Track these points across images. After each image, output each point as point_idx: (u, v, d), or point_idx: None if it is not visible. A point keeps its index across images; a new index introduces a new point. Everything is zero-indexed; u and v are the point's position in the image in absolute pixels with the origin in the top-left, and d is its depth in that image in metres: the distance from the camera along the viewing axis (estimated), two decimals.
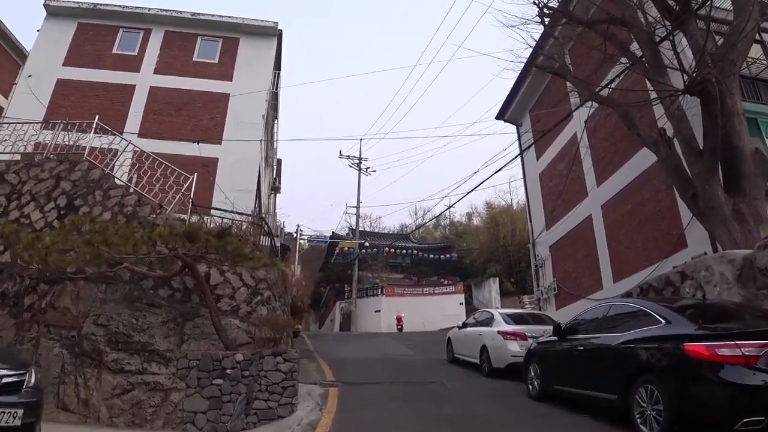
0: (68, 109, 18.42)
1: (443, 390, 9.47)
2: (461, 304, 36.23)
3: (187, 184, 11.68)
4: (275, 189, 29.63)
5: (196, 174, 12.00)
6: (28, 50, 21.29)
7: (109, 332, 9.05)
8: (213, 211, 12.28)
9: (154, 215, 11.02)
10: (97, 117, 13.48)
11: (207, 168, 18.80)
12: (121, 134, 18.50)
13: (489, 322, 11.41)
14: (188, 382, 8.39)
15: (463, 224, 53.86)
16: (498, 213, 42.06)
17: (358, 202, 38.69)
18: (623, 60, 11.63)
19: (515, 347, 10.17)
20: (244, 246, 8.90)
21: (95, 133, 13.06)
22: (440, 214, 38.44)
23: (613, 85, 11.44)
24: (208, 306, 8.95)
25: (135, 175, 12.71)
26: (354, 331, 33.43)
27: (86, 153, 12.47)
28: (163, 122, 19.63)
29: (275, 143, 28.01)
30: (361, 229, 42.73)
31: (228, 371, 8.28)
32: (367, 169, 40.51)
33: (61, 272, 9.84)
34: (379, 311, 36.03)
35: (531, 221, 20.33)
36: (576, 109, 14.35)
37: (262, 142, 20.32)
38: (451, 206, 22.59)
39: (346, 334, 27.09)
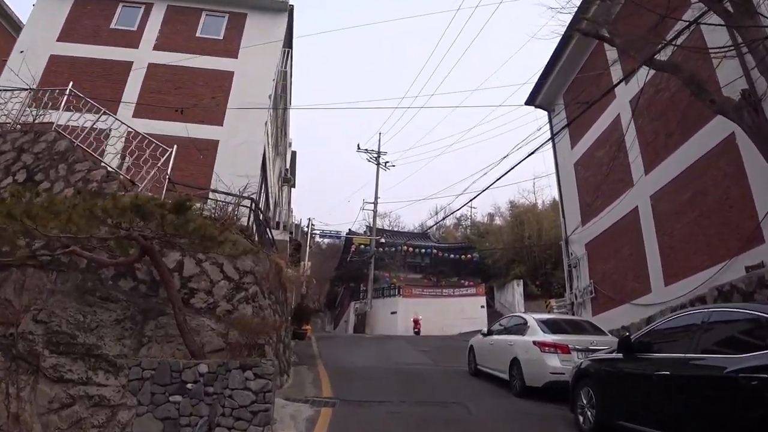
0: (59, 86, 17.06)
1: (465, 416, 7.49)
2: (483, 307, 34.20)
3: (164, 157, 9.91)
4: (287, 181, 27.91)
5: (175, 146, 10.22)
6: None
7: (49, 331, 7.32)
8: (198, 191, 10.49)
9: (123, 192, 9.25)
10: (71, 84, 11.83)
11: (207, 151, 17.23)
12: (115, 114, 17.30)
13: (521, 329, 9.42)
14: (141, 397, 6.55)
15: (485, 224, 51.59)
16: (522, 212, 39.77)
17: (376, 197, 36.86)
18: (685, 18, 9.64)
19: (555, 362, 8.17)
20: (214, 227, 7.02)
21: (80, 110, 11.34)
22: (463, 205, 36.41)
23: (679, 41, 9.35)
24: (171, 301, 7.14)
25: (129, 160, 10.92)
26: (368, 334, 31.56)
27: (55, 123, 10.85)
28: (161, 101, 18.01)
29: (287, 131, 26.28)
30: (379, 227, 40.89)
31: (189, 386, 6.45)
32: (386, 163, 38.71)
33: (7, 257, 8.15)
34: (396, 313, 34.14)
35: (564, 216, 18.21)
36: (628, 76, 12.33)
37: (269, 125, 18.58)
38: (475, 197, 20.68)
39: (358, 337, 25.23)
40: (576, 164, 17.45)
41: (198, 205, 8.53)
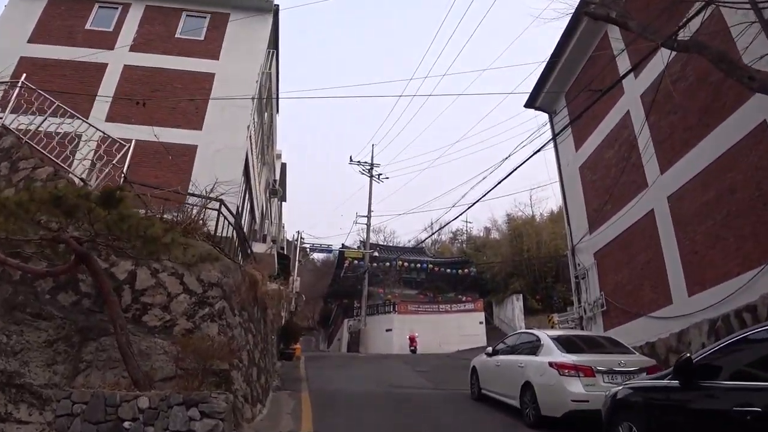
0: (29, 90, 15.95)
1: None
2: (481, 323, 32.86)
3: (120, 154, 8.65)
4: (275, 192, 26.62)
5: (134, 141, 8.99)
6: None
7: None
8: (156, 191, 9.21)
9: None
10: (24, 76, 10.63)
11: (184, 157, 16.02)
12: (87, 118, 16.31)
13: (533, 348, 8.11)
14: None
15: (482, 238, 50.30)
16: (520, 224, 38.55)
17: (369, 210, 35.68)
18: None
19: (578, 388, 6.86)
20: (161, 227, 5.70)
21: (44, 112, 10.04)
22: (460, 214, 35.31)
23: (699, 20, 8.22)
24: (112, 318, 5.86)
25: (98, 165, 9.59)
26: (362, 352, 30.11)
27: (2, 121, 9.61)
28: (137, 105, 16.85)
29: (274, 140, 25.08)
30: (373, 242, 39.61)
31: (126, 425, 5.13)
32: (379, 176, 37.61)
33: None
34: (391, 330, 32.72)
35: (569, 224, 16.99)
36: (641, 62, 11.25)
37: (252, 130, 17.39)
38: (473, 204, 19.50)
39: (351, 356, 23.78)
40: (581, 167, 16.29)
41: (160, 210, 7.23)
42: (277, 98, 22.71)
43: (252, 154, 17.83)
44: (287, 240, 37.92)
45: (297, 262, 32.38)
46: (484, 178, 24.74)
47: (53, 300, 6.87)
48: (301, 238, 33.71)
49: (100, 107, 16.38)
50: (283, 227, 42.88)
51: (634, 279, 13.14)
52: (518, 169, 14.78)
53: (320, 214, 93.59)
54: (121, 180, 8.29)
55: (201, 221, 8.21)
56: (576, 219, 16.53)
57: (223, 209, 8.76)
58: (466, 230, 60.89)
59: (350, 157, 37.65)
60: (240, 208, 17.24)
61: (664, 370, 5.25)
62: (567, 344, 7.81)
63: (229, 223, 9.07)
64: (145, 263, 7.17)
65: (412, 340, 30.03)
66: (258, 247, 20.61)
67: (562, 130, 15.87)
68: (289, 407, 8.67)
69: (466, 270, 39.27)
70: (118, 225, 5.11)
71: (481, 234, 52.64)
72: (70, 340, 6.32)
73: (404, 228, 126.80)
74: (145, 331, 6.83)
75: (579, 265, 16.03)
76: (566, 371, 7.01)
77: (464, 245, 54.09)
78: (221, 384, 6.28)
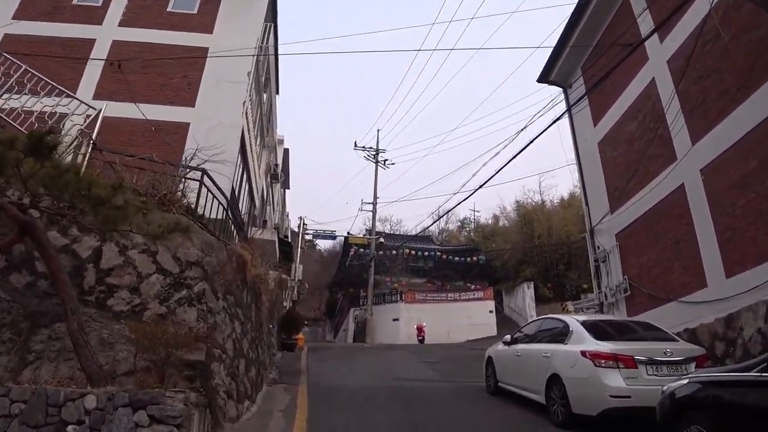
0: (13, 67, 15.05)
1: None
2: (491, 312, 31.84)
3: (90, 119, 7.66)
4: (276, 177, 25.62)
5: (106, 104, 7.98)
6: None
7: None
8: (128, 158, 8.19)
9: None
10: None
11: (175, 136, 15.05)
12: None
13: (560, 336, 7.09)
14: None
15: (491, 226, 49.09)
16: (531, 211, 37.36)
17: (375, 197, 34.58)
18: None
19: (617, 381, 5.84)
20: (107, 187, 4.67)
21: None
22: (471, 194, 33.85)
23: None
24: (63, 300, 4.88)
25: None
26: (368, 343, 29.16)
27: None
28: (126, 81, 15.89)
29: (275, 122, 24.05)
30: (379, 230, 38.59)
31: (69, 429, 4.15)
32: (385, 161, 36.44)
33: None
34: (398, 320, 31.78)
35: (588, 204, 15.90)
36: (667, 19, 10.15)
37: (248, 106, 16.37)
38: (482, 185, 18.60)
39: (357, 347, 22.84)
40: (601, 143, 15.17)
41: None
42: (277, 78, 21.67)
43: (249, 133, 16.83)
44: (292, 230, 36.94)
45: (300, 249, 31.40)
46: (497, 154, 23.79)
47: (4, 281, 5.90)
48: (304, 224, 32.69)
49: (88, 85, 15.49)
50: (287, 216, 41.97)
51: (662, 261, 12.07)
52: (531, 144, 13.60)
53: (325, 203, 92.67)
54: (89, 147, 7.29)
55: (180, 193, 7.22)
56: (595, 199, 15.44)
57: (206, 180, 7.76)
58: (474, 219, 59.92)
59: (354, 142, 36.48)
60: (237, 190, 16.28)
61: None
62: (599, 330, 6.78)
63: (214, 196, 8.07)
64: (112, 238, 6.20)
65: (419, 329, 29.10)
66: (258, 233, 19.71)
67: (579, 99, 14.73)
68: (282, 404, 7.70)
69: (474, 258, 38.24)
70: (55, 182, 4.13)
71: (490, 222, 51.54)
72: (17, 326, 5.36)
73: (411, 217, 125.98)
74: (109, 316, 5.88)
75: (599, 247, 14.96)
76: (602, 362, 5.98)
77: (472, 233, 53.05)
78: (196, 378, 5.31)
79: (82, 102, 8.07)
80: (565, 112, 16.09)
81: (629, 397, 5.68)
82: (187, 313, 6.22)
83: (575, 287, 31.65)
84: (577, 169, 16.77)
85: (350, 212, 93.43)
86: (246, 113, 15.91)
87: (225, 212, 8.45)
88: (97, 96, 15.26)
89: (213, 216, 8.94)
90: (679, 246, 11.50)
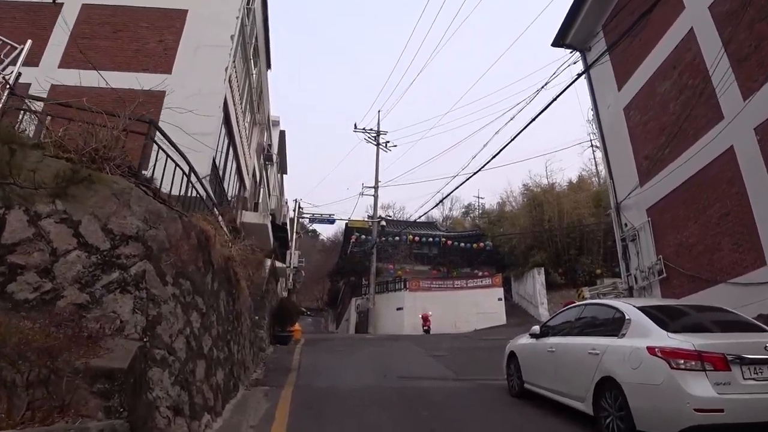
0: None
1: None
2: (500, 299, 30.28)
3: (9, 59, 6.04)
4: (270, 158, 24.00)
5: (29, 42, 6.36)
6: None
7: None
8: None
9: None
10: None
11: (150, 105, 13.43)
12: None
13: (613, 327, 5.47)
14: None
15: (496, 211, 47.29)
16: (540, 194, 35.58)
17: (377, 180, 32.99)
18: None
19: (704, 389, 4.23)
20: None
21: None
22: (477, 171, 32.34)
23: None
24: None
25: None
26: (371, 333, 27.66)
27: None
28: (96, 48, 14.35)
29: (266, 96, 22.37)
30: (381, 215, 36.98)
31: None
32: (386, 143, 34.78)
33: None
34: (402, 309, 30.25)
35: (612, 178, 14.25)
36: None
37: (233, 73, 14.73)
38: (491, 159, 16.90)
39: (358, 339, 21.28)
40: (627, 108, 13.52)
41: None
42: (267, 49, 19.98)
43: (234, 105, 15.20)
44: (290, 219, 35.32)
45: (295, 234, 29.79)
46: (512, 119, 22.16)
47: None
48: (299, 207, 31.06)
49: (54, 52, 13.94)
50: (286, 203, 40.37)
51: (707, 237, 10.46)
52: (545, 111, 11.97)
53: (325, 188, 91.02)
54: (6, 91, 5.68)
55: (122, 148, 5.60)
56: (621, 171, 13.81)
57: (157, 135, 6.15)
58: (478, 205, 58.45)
59: (354, 124, 34.79)
60: (222, 167, 14.70)
61: None
62: (667, 319, 5.16)
63: (167, 155, 6.46)
64: (20, 204, 4.61)
65: (425, 319, 27.58)
66: (249, 217, 18.14)
67: (603, 53, 13.05)
68: (257, 415, 6.13)
69: (481, 244, 36.71)
70: None
71: (495, 207, 49.76)
72: None
73: (414, 204, 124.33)
74: (8, 307, 4.29)
75: (626, 225, 13.35)
76: (682, 362, 4.39)
77: (477, 219, 51.44)
78: (114, 395, 3.73)
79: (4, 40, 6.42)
80: (584, 72, 14.43)
81: (722, 410, 4.09)
82: (118, 303, 4.64)
83: (588, 273, 30.04)
84: (599, 139, 15.13)
85: (351, 198, 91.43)
86: (230, 81, 14.27)
87: (187, 178, 6.84)
88: (64, 64, 13.78)
89: (191, 194, 7.38)
90: (729, 219, 9.88)
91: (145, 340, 4.60)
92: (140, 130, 6.18)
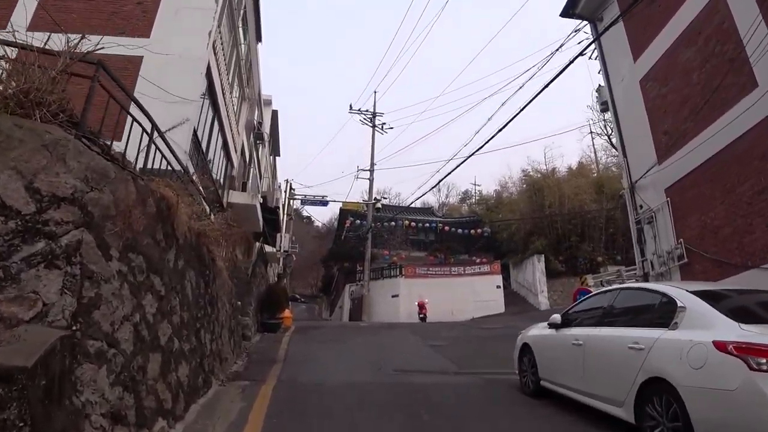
0: None
1: None
2: (498, 287, 29.49)
3: None
4: (260, 137, 22.86)
5: None
6: None
7: None
8: None
9: None
10: None
11: (125, 71, 12.36)
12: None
13: (661, 316, 4.50)
14: None
15: (494, 197, 46.18)
16: (540, 178, 34.55)
17: (372, 162, 31.90)
18: None
19: None
20: None
21: None
22: (480, 147, 31.30)
23: None
24: None
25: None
26: (365, 321, 26.73)
27: None
28: (68, 10, 13.24)
29: (256, 75, 21.20)
30: (380, 196, 35.89)
31: None
32: (382, 126, 33.66)
33: None
34: (397, 296, 29.34)
35: (626, 156, 13.25)
36: None
37: (217, 39, 13.59)
38: (492, 137, 16.01)
39: (352, 327, 20.33)
40: (644, 80, 12.47)
41: None
42: (257, 18, 18.80)
43: (220, 74, 14.08)
44: (282, 204, 34.18)
45: (286, 216, 28.69)
46: (521, 87, 21.03)
47: None
48: (291, 188, 29.93)
49: (22, 14, 12.77)
50: (279, 187, 39.24)
51: (736, 218, 9.48)
52: (551, 84, 10.84)
53: (319, 171, 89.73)
54: None
55: (62, 92, 4.57)
56: (636, 149, 12.81)
57: (104, 75, 5.09)
58: (475, 192, 57.62)
59: (350, 105, 33.65)
60: (206, 140, 13.63)
61: None
62: (735, 308, 4.18)
63: (121, 107, 5.40)
64: None
65: (421, 306, 26.67)
66: (236, 197, 17.09)
67: (617, 18, 12.01)
68: (228, 419, 5.13)
69: (479, 230, 35.80)
70: None
71: (493, 194, 48.70)
72: None
73: (411, 186, 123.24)
74: None
75: (641, 207, 12.37)
76: (765, 362, 3.42)
77: (475, 206, 50.48)
78: (11, 403, 2.73)
79: None
80: (595, 40, 13.43)
81: None
82: (42, 281, 3.64)
83: (589, 260, 29.17)
84: (612, 116, 14.09)
85: (346, 182, 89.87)
86: (214, 47, 13.17)
87: (149, 137, 5.78)
88: (34, 27, 12.59)
89: (165, 166, 6.33)
90: (763, 198, 8.90)
91: (74, 328, 3.61)
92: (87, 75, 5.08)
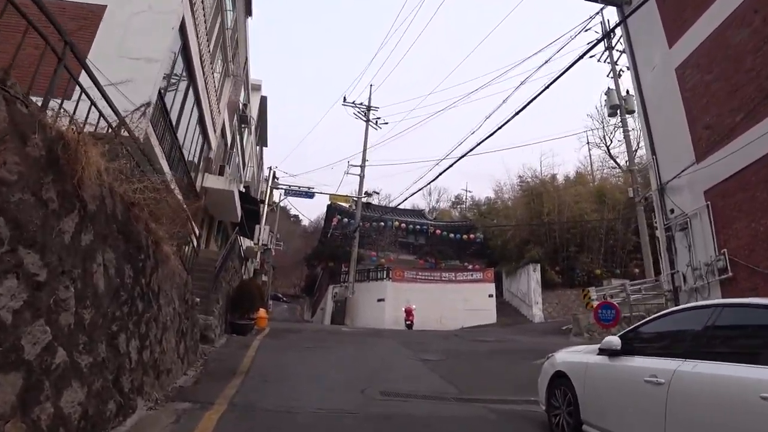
0: None
1: None
2: (491, 296, 27.88)
3: None
4: (244, 120, 21.09)
5: None
6: None
7: None
8: None
9: None
10: None
11: (84, 23, 10.58)
12: None
13: None
14: None
15: (487, 203, 44.53)
16: (539, 184, 32.98)
17: (364, 158, 30.26)
18: None
19: None
20: None
21: None
22: (475, 147, 29.85)
23: None
24: None
25: None
26: (348, 325, 24.99)
27: None
28: None
29: (244, 50, 19.46)
30: (371, 192, 34.16)
31: None
32: (377, 120, 31.99)
33: None
34: (383, 300, 27.67)
35: (655, 153, 11.72)
36: None
37: None
38: (492, 134, 14.65)
39: (333, 331, 18.56)
40: (681, 68, 10.97)
41: None
42: None
43: (198, 36, 12.32)
44: (265, 191, 32.24)
45: (267, 207, 26.86)
46: (537, 68, 19.51)
47: None
48: (274, 177, 28.10)
49: None
50: (265, 180, 37.40)
51: None
52: (565, 73, 9.23)
53: (309, 166, 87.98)
54: None
55: None
56: (667, 145, 11.29)
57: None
58: (467, 197, 56.26)
59: (344, 97, 31.92)
60: (178, 112, 11.88)
61: None
62: None
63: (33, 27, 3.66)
64: None
65: (408, 313, 24.98)
66: (212, 181, 15.35)
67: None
68: None
69: (471, 235, 34.19)
70: None
71: (486, 199, 47.05)
72: None
73: (403, 183, 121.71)
74: None
75: (672, 212, 10.82)
76: None
77: (466, 211, 48.94)
78: None
79: None
80: (621, 22, 11.94)
81: None
82: None
83: (587, 273, 27.69)
84: (640, 107, 12.53)
85: (335, 176, 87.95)
86: (192, 2, 11.43)
87: (59, 59, 4.06)
88: None
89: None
90: None
91: None
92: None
